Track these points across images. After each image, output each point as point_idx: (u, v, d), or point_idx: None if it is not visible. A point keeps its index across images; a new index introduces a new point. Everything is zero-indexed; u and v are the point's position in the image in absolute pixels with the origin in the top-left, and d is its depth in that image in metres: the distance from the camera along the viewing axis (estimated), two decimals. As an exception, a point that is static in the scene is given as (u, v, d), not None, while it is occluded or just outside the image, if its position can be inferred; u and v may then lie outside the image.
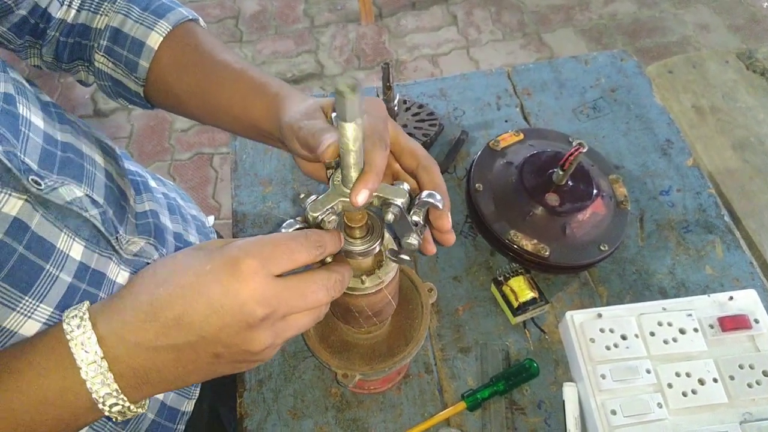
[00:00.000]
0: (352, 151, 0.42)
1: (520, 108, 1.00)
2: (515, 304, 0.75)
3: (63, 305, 0.51)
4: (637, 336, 0.72)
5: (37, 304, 0.50)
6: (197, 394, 0.74)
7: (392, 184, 0.48)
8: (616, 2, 2.54)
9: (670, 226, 0.86)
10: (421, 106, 0.96)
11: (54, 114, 0.60)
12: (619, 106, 1.00)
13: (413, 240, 0.49)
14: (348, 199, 0.46)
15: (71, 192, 0.54)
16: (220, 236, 0.94)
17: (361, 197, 0.44)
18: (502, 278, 0.77)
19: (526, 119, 0.99)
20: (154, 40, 0.64)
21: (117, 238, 0.58)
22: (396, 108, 0.93)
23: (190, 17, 0.68)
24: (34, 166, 0.51)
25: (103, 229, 0.56)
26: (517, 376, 0.72)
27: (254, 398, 0.73)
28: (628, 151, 0.94)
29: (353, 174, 0.45)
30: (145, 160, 2.14)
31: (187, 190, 2.05)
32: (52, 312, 0.51)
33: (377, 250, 0.52)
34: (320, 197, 0.46)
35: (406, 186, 0.47)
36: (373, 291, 0.55)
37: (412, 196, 0.49)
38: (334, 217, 0.46)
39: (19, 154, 0.49)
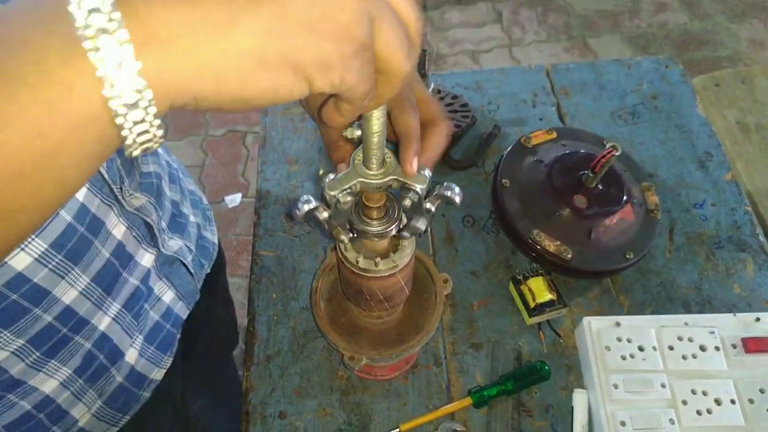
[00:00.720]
0: (376, 133, 0.42)
1: (556, 107, 0.98)
2: (532, 305, 0.74)
3: (58, 244, 0.50)
4: (655, 348, 0.70)
5: (32, 237, 0.47)
6: (169, 364, 0.73)
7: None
8: (667, 12, 2.47)
9: (701, 240, 0.83)
10: (455, 97, 0.95)
11: None
12: (659, 114, 0.97)
13: (422, 224, 0.48)
14: (366, 180, 0.45)
15: None
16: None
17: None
18: (521, 277, 0.76)
19: (561, 119, 0.96)
20: None
21: (121, 188, 0.57)
22: (429, 97, 0.92)
23: None
24: None
25: (107, 176, 0.54)
26: (527, 377, 0.70)
27: (261, 373, 0.73)
28: (664, 160, 0.91)
29: (375, 155, 0.44)
30: (178, 132, 2.17)
31: (218, 166, 2.08)
32: (47, 248, 0.49)
33: (393, 232, 0.51)
34: (339, 175, 0.46)
35: (427, 172, 0.46)
36: (386, 274, 0.54)
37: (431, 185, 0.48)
38: (350, 198, 0.46)
39: None
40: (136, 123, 0.27)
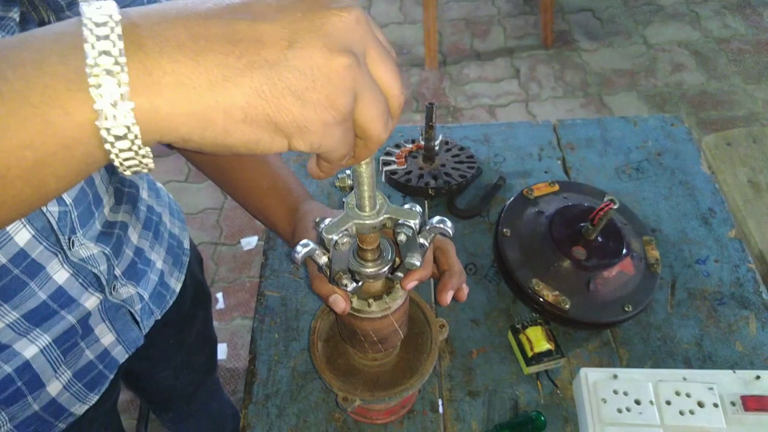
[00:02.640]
0: (366, 178, 0.44)
1: (561, 161, 1.00)
2: (530, 354, 0.74)
3: None
4: (652, 403, 0.69)
5: None
6: (94, 401, 0.73)
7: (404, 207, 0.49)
8: (683, 72, 2.51)
9: (703, 296, 0.84)
10: (462, 149, 0.98)
11: None
12: (664, 170, 0.99)
13: (416, 260, 0.50)
14: (361, 221, 0.48)
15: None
16: (196, 253, 0.93)
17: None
18: (520, 326, 0.77)
19: (566, 173, 0.99)
20: None
21: (70, 239, 0.58)
22: (437, 148, 0.95)
23: None
24: None
25: (56, 226, 0.55)
26: (523, 427, 0.70)
27: (258, 411, 0.74)
28: (667, 215, 0.93)
29: (368, 198, 0.47)
30: (199, 175, 2.23)
31: (236, 209, 2.12)
32: None
33: (386, 273, 0.53)
34: (335, 220, 0.48)
35: (418, 208, 0.49)
36: (379, 316, 0.56)
37: (424, 220, 0.50)
38: (348, 239, 0.48)
39: None
40: (122, 151, 0.30)
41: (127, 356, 0.76)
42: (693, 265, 0.87)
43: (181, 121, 0.29)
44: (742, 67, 2.51)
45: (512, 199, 0.85)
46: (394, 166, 0.95)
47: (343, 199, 0.49)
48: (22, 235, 0.53)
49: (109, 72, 0.28)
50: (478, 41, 2.70)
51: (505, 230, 0.81)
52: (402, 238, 0.48)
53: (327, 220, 0.48)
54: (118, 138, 0.29)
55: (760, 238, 1.31)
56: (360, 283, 0.53)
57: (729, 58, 2.56)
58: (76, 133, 0.28)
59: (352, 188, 0.51)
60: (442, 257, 0.63)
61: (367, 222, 0.48)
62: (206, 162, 0.69)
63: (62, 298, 0.60)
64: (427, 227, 0.50)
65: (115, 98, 0.28)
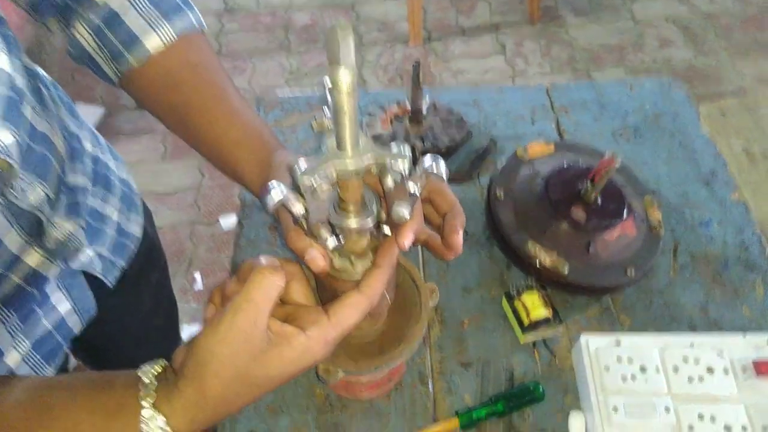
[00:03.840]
0: (348, 106, 0.38)
1: (555, 124, 0.95)
2: (526, 322, 0.69)
3: None
4: (658, 370, 0.65)
5: None
6: (50, 375, 0.69)
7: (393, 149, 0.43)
8: (671, 47, 2.48)
9: (707, 260, 0.79)
10: (451, 112, 0.92)
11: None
12: (662, 133, 0.94)
13: (404, 211, 0.44)
14: (343, 162, 0.42)
15: (37, 195, 0.52)
16: (145, 208, 0.87)
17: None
18: (515, 292, 0.72)
19: (560, 136, 0.93)
20: (154, 44, 0.59)
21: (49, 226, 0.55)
22: (425, 110, 0.89)
23: (197, 26, 0.62)
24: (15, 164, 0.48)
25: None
26: (520, 398, 0.65)
27: (235, 388, 0.68)
28: (668, 178, 0.88)
29: (349, 137, 0.41)
30: (175, 153, 2.16)
31: (215, 187, 2.05)
32: None
33: (371, 227, 0.47)
34: (312, 163, 0.42)
35: (407, 150, 0.43)
36: (362, 277, 0.50)
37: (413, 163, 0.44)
38: (327, 186, 0.42)
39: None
40: None
41: (81, 328, 0.71)
42: (696, 229, 0.82)
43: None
44: (730, 42, 2.48)
45: (506, 160, 0.79)
46: (378, 130, 0.89)
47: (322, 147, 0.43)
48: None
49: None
50: (463, 17, 2.63)
51: (498, 192, 0.75)
52: (389, 183, 0.42)
53: (303, 163, 0.42)
54: None
55: (755, 207, 1.27)
56: (341, 240, 0.48)
57: (717, 33, 2.52)
58: None
59: (331, 129, 0.45)
60: (439, 198, 0.57)
61: (348, 165, 0.42)
62: (167, 112, 0.63)
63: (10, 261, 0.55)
64: (418, 171, 0.44)
65: None
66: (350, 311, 0.45)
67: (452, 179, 0.86)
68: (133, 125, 2.27)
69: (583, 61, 2.42)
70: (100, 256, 0.70)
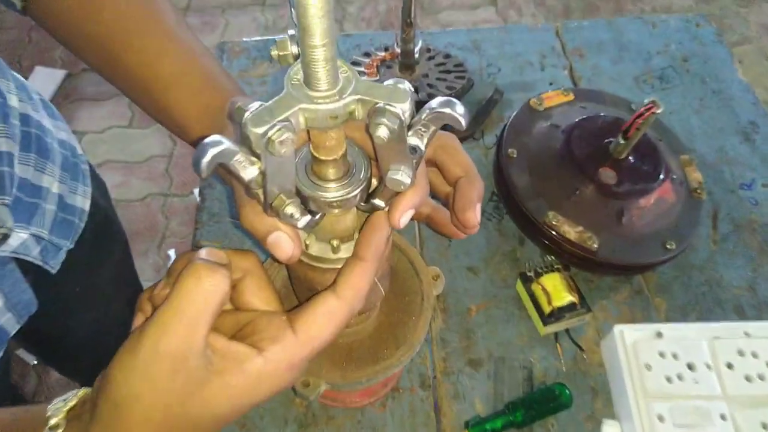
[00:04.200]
0: (320, 27, 0.25)
1: (569, 70, 0.81)
2: (547, 310, 0.57)
3: None
4: (709, 367, 0.53)
5: None
6: None
7: (390, 84, 0.30)
8: (672, -6, 2.33)
9: (752, 228, 0.67)
10: (447, 56, 0.78)
11: None
12: (692, 79, 0.81)
13: (403, 175, 0.31)
14: (313, 106, 0.28)
15: None
16: (97, 179, 0.73)
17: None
18: (532, 274, 0.59)
19: (575, 83, 0.80)
20: None
21: None
22: (417, 54, 0.75)
23: None
24: None
25: None
26: (542, 405, 0.53)
27: (194, 398, 0.56)
28: (701, 131, 0.75)
29: (324, 69, 0.27)
30: (145, 120, 1.99)
31: (187, 156, 1.90)
32: None
33: (358, 199, 0.34)
34: (269, 103, 0.29)
35: (408, 86, 0.30)
36: (350, 266, 0.37)
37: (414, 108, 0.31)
38: (290, 136, 0.28)
39: None
40: None
41: (18, 327, 0.58)
42: (736, 191, 0.70)
43: None
44: (733, -12, 2.34)
45: (516, 112, 0.66)
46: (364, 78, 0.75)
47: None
48: None
49: None
50: (451, -35, 2.45)
51: (510, 151, 0.62)
52: (382, 133, 0.29)
53: (256, 104, 0.28)
54: None
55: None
56: (317, 216, 0.34)
57: (719, -22, 2.37)
58: None
59: (297, 57, 0.31)
60: (449, 158, 0.41)
61: (322, 106, 0.28)
62: (86, 45, 0.48)
63: None
64: (424, 116, 0.31)
65: None
66: (324, 323, 0.32)
67: (451, 137, 0.72)
68: (97, 89, 2.08)
69: (579, 11, 2.27)
70: (36, 237, 0.56)
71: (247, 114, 0.29)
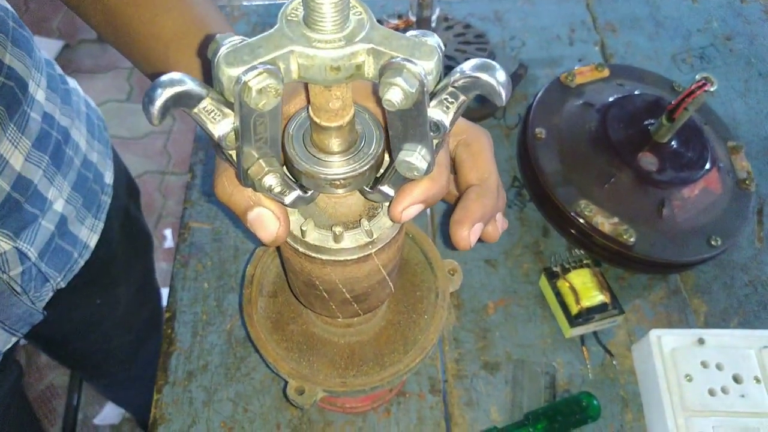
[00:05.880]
0: None
1: (600, 46, 0.74)
2: (574, 309, 0.51)
3: None
4: (758, 380, 0.47)
5: None
6: None
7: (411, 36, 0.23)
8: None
9: (802, 225, 0.61)
10: (467, 26, 0.71)
11: None
12: (737, 60, 0.74)
13: (418, 158, 0.25)
14: (312, 50, 0.22)
15: None
16: (130, 186, 0.70)
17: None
18: (558, 269, 0.53)
19: (606, 61, 0.73)
20: None
21: None
22: (434, 24, 0.68)
23: None
24: None
25: None
26: (567, 417, 0.48)
27: (178, 397, 0.50)
28: (745, 117, 0.69)
29: (330, 6, 0.21)
30: (141, 94, 1.92)
31: (187, 132, 1.83)
32: None
33: (366, 178, 0.28)
34: (253, 39, 0.22)
35: (436, 40, 0.23)
36: (355, 257, 0.31)
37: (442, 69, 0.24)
38: (271, 81, 0.22)
39: None
40: None
41: (14, 341, 0.53)
42: (785, 184, 0.63)
43: None
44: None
45: (546, 87, 0.59)
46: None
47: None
48: None
49: None
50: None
51: (538, 131, 0.55)
52: (395, 97, 0.22)
53: (236, 39, 0.22)
54: None
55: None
56: (309, 193, 0.28)
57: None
58: None
59: None
60: (469, 160, 0.34)
61: (322, 52, 0.22)
62: (91, 6, 0.41)
63: None
64: (453, 80, 0.24)
65: None
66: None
67: (472, 117, 0.66)
68: (95, 61, 2.02)
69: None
70: (20, 255, 0.50)
71: (222, 49, 0.22)
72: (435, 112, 0.25)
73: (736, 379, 0.47)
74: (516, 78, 0.69)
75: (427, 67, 0.22)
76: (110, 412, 1.33)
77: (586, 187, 0.53)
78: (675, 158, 0.53)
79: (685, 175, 0.53)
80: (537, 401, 0.50)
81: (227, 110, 0.23)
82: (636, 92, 0.57)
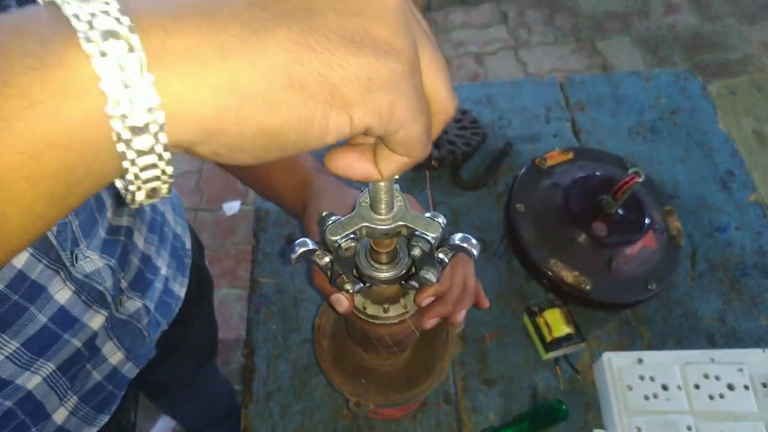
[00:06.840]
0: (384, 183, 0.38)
1: (571, 123, 0.93)
2: (548, 339, 0.70)
3: None
4: (680, 388, 0.65)
5: None
6: (104, 422, 0.66)
7: (426, 215, 0.42)
8: (677, 13, 2.42)
9: (725, 267, 0.79)
10: (464, 112, 0.90)
11: None
12: (679, 130, 0.92)
13: (432, 276, 0.44)
14: (372, 225, 0.41)
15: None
16: (195, 261, 0.83)
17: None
18: (536, 309, 0.72)
19: (576, 135, 0.92)
20: None
21: (73, 252, 0.50)
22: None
23: None
24: None
25: (55, 241, 0.47)
26: (544, 418, 0.66)
27: (260, 411, 0.69)
28: (684, 180, 0.87)
29: (384, 200, 0.40)
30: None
31: (216, 172, 2.03)
32: None
33: (401, 278, 0.47)
34: (343, 219, 0.41)
35: (441, 219, 0.42)
36: (396, 321, 0.50)
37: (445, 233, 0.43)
38: (353, 243, 0.41)
39: None
40: (141, 154, 0.21)
41: (138, 371, 0.70)
42: (713, 234, 0.82)
43: (207, 101, 0.21)
44: (736, 7, 2.43)
45: (524, 170, 0.78)
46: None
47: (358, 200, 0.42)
48: (19, 255, 0.45)
49: (112, 34, 0.19)
50: (464, -16, 2.56)
51: (518, 206, 0.74)
52: (417, 252, 0.41)
53: (334, 217, 0.41)
54: (135, 131, 0.20)
55: (765, 192, 1.27)
56: (366, 285, 0.47)
57: (723, -3, 2.47)
58: (63, 131, 0.20)
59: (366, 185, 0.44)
60: (449, 269, 0.52)
61: (379, 227, 0.41)
62: None
63: (65, 319, 0.52)
64: (450, 243, 0.43)
65: (131, 71, 0.20)
66: None
67: (468, 187, 0.85)
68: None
69: (587, 30, 2.37)
70: (146, 309, 0.66)
71: (328, 224, 0.42)
72: (440, 254, 0.44)
73: (664, 387, 0.66)
74: (503, 154, 0.88)
75: (434, 237, 0.41)
76: (162, 426, 1.52)
77: (555, 249, 0.72)
78: (620, 225, 0.72)
79: (628, 237, 0.72)
80: (522, 407, 0.68)
81: (327, 253, 0.43)
82: (593, 173, 0.76)
